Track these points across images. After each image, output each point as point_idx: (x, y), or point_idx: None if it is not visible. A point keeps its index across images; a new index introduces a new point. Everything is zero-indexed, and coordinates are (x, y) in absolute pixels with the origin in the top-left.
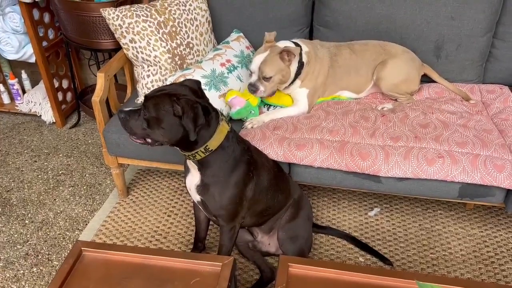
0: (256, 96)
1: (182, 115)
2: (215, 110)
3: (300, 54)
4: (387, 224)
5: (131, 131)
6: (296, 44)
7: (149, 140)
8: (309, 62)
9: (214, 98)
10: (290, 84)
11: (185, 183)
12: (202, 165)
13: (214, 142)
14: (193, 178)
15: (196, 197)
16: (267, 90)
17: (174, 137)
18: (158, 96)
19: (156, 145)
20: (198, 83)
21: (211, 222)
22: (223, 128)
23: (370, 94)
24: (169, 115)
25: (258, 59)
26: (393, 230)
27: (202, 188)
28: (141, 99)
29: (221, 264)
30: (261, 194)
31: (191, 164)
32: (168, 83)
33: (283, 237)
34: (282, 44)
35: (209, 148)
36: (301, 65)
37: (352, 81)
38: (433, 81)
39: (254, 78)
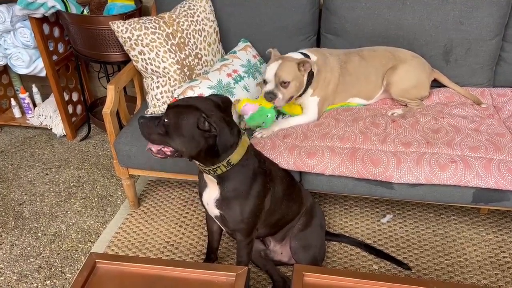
0: (274, 104)
1: (216, 134)
2: (236, 125)
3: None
4: (400, 230)
5: (149, 136)
6: (305, 55)
7: (167, 151)
8: (319, 71)
9: None
10: (302, 94)
11: (200, 198)
12: (222, 179)
13: (236, 156)
14: (211, 192)
15: (215, 212)
16: (285, 97)
17: (193, 148)
18: (184, 107)
19: (175, 156)
20: (224, 99)
21: (223, 233)
22: (245, 143)
23: (380, 100)
24: (192, 126)
25: (273, 67)
26: (407, 236)
27: (222, 202)
28: (151, 110)
29: (235, 274)
30: (276, 204)
31: (208, 179)
32: (175, 95)
33: (295, 246)
34: (292, 55)
35: (231, 162)
36: (311, 75)
37: (363, 87)
38: (443, 86)
39: (270, 86)
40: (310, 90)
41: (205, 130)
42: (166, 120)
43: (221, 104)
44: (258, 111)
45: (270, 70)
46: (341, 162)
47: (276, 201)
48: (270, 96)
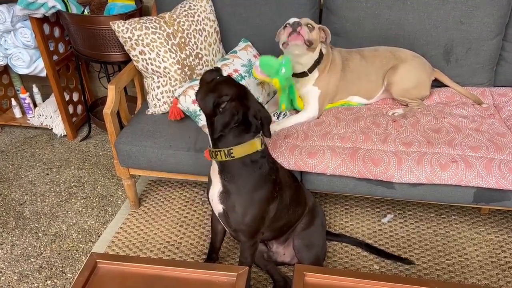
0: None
1: (220, 112)
2: (254, 128)
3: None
4: (401, 230)
5: (200, 79)
6: None
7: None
8: (327, 55)
9: None
10: (309, 71)
11: (207, 195)
12: (223, 169)
13: (239, 150)
14: (215, 187)
15: (218, 207)
16: (309, 36)
17: (203, 107)
18: (236, 83)
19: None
20: (265, 113)
21: (227, 234)
22: (254, 144)
23: (381, 99)
24: (218, 93)
25: (295, 18)
26: (408, 236)
27: (225, 195)
28: (151, 110)
29: (236, 274)
30: (282, 211)
31: (213, 169)
32: (176, 95)
33: (299, 244)
34: None
35: (232, 153)
36: (321, 55)
37: (363, 86)
38: (444, 86)
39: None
40: (316, 73)
41: (219, 104)
42: (218, 77)
43: (257, 113)
44: (270, 57)
45: (293, 18)
46: (342, 162)
47: (283, 208)
48: (297, 23)
